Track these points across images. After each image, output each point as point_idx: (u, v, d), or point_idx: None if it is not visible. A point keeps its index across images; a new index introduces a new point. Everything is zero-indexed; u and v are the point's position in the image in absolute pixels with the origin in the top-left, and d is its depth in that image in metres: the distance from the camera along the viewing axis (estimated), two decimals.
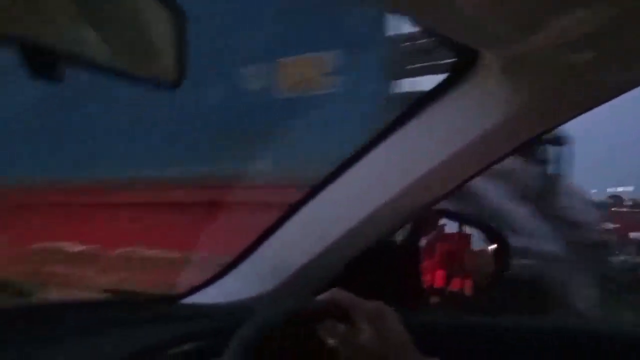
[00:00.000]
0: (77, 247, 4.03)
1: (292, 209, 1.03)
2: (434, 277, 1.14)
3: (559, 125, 0.88)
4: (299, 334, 0.77)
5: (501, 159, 0.91)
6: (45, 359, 0.71)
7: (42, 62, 0.36)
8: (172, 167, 3.67)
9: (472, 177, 0.93)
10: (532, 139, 0.89)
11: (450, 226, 1.18)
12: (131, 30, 0.43)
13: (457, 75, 0.88)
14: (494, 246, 1.18)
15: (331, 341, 0.74)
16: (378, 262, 1.06)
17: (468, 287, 1.17)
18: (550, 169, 1.90)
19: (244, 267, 1.06)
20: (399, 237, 1.11)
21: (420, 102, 0.91)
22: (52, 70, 0.37)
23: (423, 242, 1.12)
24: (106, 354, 0.76)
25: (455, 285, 1.17)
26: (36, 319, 0.83)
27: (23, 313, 0.87)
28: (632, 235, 7.16)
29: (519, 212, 1.76)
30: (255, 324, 0.67)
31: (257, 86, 3.71)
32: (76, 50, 0.39)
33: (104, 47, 0.41)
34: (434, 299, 1.12)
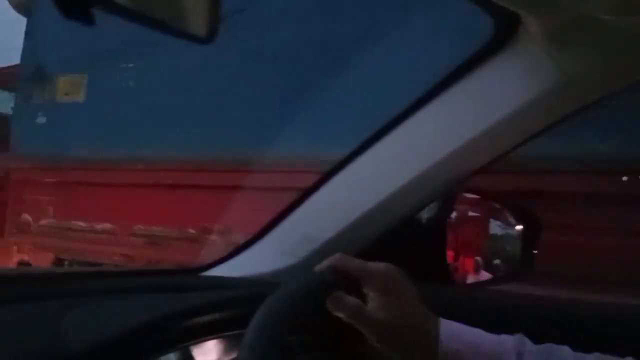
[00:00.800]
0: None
1: (317, 184, 1.00)
2: (461, 254, 1.11)
3: (605, 97, 0.83)
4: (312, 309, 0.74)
5: (542, 131, 0.87)
6: (70, 321, 0.70)
7: (74, 3, 0.33)
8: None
9: (510, 151, 0.89)
10: (576, 112, 0.84)
11: (480, 203, 1.14)
12: None
13: (496, 43, 0.84)
14: (524, 224, 1.15)
15: (340, 315, 0.71)
16: (404, 238, 1.03)
17: (496, 265, 1.14)
18: None
19: (266, 241, 1.04)
20: (428, 213, 1.07)
21: (457, 71, 0.86)
22: (83, 12, 0.34)
23: (452, 218, 1.09)
24: (128, 318, 0.75)
25: (483, 262, 1.14)
26: (66, 283, 0.84)
27: (56, 277, 0.89)
28: None
29: None
30: (287, 293, 0.65)
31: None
32: None
33: None
34: (460, 276, 1.09)
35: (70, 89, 4.23)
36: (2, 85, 5.53)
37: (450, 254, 1.09)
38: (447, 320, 0.70)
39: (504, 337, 0.69)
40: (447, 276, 1.06)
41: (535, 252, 1.19)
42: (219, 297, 0.89)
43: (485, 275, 1.15)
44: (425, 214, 1.09)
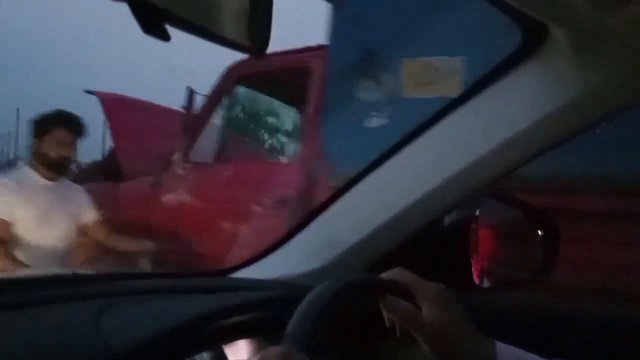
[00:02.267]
0: None
1: (345, 187, 1.03)
2: (483, 260, 1.12)
3: (628, 108, 0.84)
4: (358, 308, 0.77)
5: (565, 140, 0.89)
6: (108, 321, 0.73)
7: (152, 20, 0.36)
8: None
9: (533, 158, 0.90)
10: (599, 121, 0.86)
11: (501, 209, 1.15)
12: None
13: (523, 52, 0.85)
14: (544, 230, 1.16)
15: (391, 316, 0.75)
16: (427, 243, 1.05)
17: (517, 271, 1.15)
18: None
19: (294, 244, 1.06)
20: (450, 218, 1.09)
21: (485, 79, 0.88)
22: (160, 29, 0.37)
23: (474, 224, 1.10)
24: (163, 319, 0.77)
25: (505, 268, 1.15)
26: (103, 284, 0.86)
27: (93, 279, 0.93)
28: None
29: None
30: (329, 290, 0.67)
31: None
32: (178, 10, 0.39)
33: (202, 9, 0.41)
34: (485, 281, 1.10)
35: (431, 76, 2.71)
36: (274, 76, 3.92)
37: (472, 260, 1.10)
38: (502, 343, 0.72)
39: None
40: (469, 282, 1.07)
41: (556, 258, 1.20)
42: (248, 298, 0.91)
43: (506, 282, 1.16)
44: (447, 219, 1.11)
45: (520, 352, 0.71)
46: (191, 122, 4.09)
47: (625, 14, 0.72)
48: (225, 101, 4.21)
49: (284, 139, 5.09)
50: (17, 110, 26.03)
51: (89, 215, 2.85)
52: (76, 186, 2.91)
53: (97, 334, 0.70)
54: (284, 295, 0.91)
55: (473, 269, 1.08)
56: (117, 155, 4.97)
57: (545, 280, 1.25)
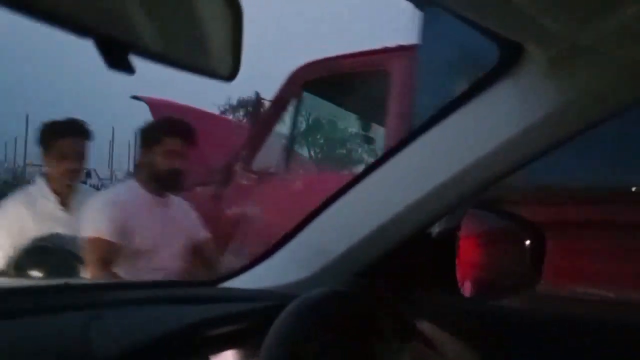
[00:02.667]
0: None
1: (331, 198, 1.05)
2: (470, 266, 1.14)
3: (603, 121, 0.87)
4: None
5: (541, 154, 0.91)
6: (97, 331, 0.75)
7: (116, 54, 0.38)
8: None
9: (513, 171, 0.93)
10: (574, 135, 0.88)
11: (487, 218, 1.18)
12: (193, 25, 0.46)
13: (500, 70, 0.88)
14: (530, 240, 1.18)
15: None
16: (415, 250, 1.07)
17: (502, 279, 1.17)
18: None
19: (282, 254, 1.09)
20: (437, 226, 1.11)
21: (463, 96, 0.91)
22: (124, 62, 0.39)
23: (460, 231, 1.12)
24: (151, 329, 0.79)
25: (490, 276, 1.17)
26: (92, 294, 0.89)
27: (82, 289, 0.95)
28: None
29: None
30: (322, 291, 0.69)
31: None
32: (143, 42, 0.41)
33: (167, 39, 0.43)
34: (469, 288, 1.12)
35: None
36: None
37: (459, 267, 1.12)
38: None
39: None
40: (456, 288, 1.09)
41: (542, 265, 1.22)
42: (236, 309, 0.93)
43: (493, 288, 1.18)
44: (435, 227, 1.13)
45: None
46: (256, 129, 3.84)
47: (595, 31, 0.74)
48: (290, 108, 3.83)
49: (356, 148, 4.82)
50: (27, 116, 25.81)
51: (202, 233, 2.48)
52: (185, 202, 2.54)
53: (85, 344, 0.73)
54: (271, 305, 0.93)
55: (458, 277, 1.10)
56: None
57: (531, 287, 1.27)
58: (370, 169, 1.00)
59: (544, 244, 1.19)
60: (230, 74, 0.48)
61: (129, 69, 0.39)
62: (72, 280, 1.02)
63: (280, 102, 3.76)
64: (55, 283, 0.92)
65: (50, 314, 0.80)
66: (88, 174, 19.46)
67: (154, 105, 4.83)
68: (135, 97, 4.93)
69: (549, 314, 1.13)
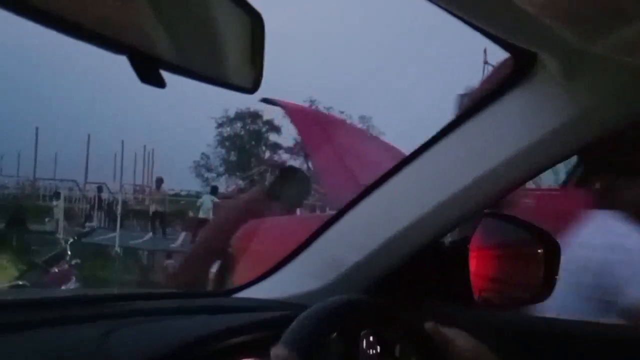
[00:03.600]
0: None
1: (345, 209, 1.05)
2: (484, 276, 1.14)
3: (617, 130, 0.87)
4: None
5: (557, 162, 0.91)
6: (112, 342, 0.75)
7: (147, 68, 0.38)
8: None
9: (526, 180, 0.93)
10: (588, 144, 0.88)
11: (501, 227, 1.17)
12: (214, 36, 0.46)
13: (515, 79, 0.88)
14: (545, 249, 1.18)
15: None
16: (428, 260, 1.07)
17: (517, 288, 1.17)
18: None
19: (296, 264, 1.09)
20: (453, 236, 1.11)
21: (478, 105, 0.91)
22: (156, 76, 0.39)
23: (474, 241, 1.12)
24: (166, 340, 0.80)
25: (505, 286, 1.16)
26: (108, 306, 0.89)
27: (98, 299, 0.95)
28: None
29: None
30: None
31: None
32: (168, 56, 0.42)
33: (190, 51, 0.44)
34: (486, 299, 1.12)
35: None
36: None
37: (473, 276, 1.12)
38: None
39: None
40: (469, 298, 1.09)
41: (557, 274, 1.22)
42: (250, 319, 0.93)
43: (507, 299, 1.18)
44: (448, 237, 1.13)
45: None
46: None
47: (610, 40, 0.74)
48: None
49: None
50: (36, 129, 25.49)
51: None
52: None
53: (103, 356, 0.73)
54: (284, 315, 0.93)
55: (473, 286, 1.10)
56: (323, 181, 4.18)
57: (545, 298, 1.27)
58: (382, 179, 1.00)
59: (559, 254, 1.19)
60: (253, 86, 0.49)
61: (160, 83, 0.40)
62: (90, 292, 1.02)
63: None
64: (70, 294, 0.92)
65: (68, 326, 0.80)
66: (100, 189, 19.52)
67: (291, 109, 4.45)
68: (266, 100, 4.25)
69: (565, 323, 1.13)
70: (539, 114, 0.87)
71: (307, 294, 1.04)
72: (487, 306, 1.14)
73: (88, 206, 18.97)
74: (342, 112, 30.04)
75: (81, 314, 0.85)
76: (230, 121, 30.46)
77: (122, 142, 25.97)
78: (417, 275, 1.06)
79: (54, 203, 16.71)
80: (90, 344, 0.76)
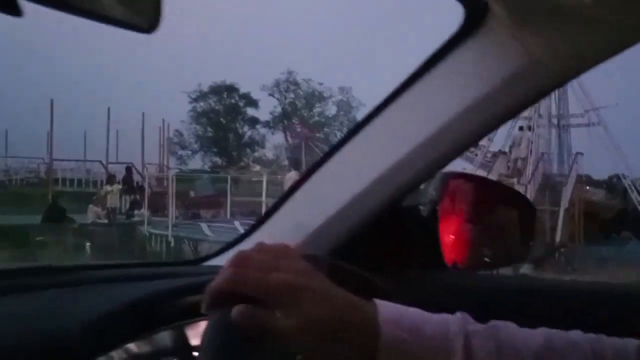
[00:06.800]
0: None
1: (309, 172, 1.05)
2: (454, 239, 1.13)
3: (571, 79, 0.85)
4: None
5: (515, 113, 0.90)
6: (69, 304, 0.76)
7: None
8: None
9: (483, 135, 0.92)
10: (545, 94, 0.87)
11: (470, 189, 1.16)
12: None
13: (466, 30, 0.87)
14: (519, 209, 1.16)
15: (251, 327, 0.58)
16: (398, 224, 1.06)
17: (490, 250, 1.16)
18: None
19: (263, 230, 1.09)
20: (421, 198, 1.11)
21: (432, 58, 0.90)
22: (10, 3, 0.38)
23: (445, 205, 1.11)
24: (113, 300, 0.80)
25: (477, 247, 1.15)
26: (70, 274, 0.90)
27: (61, 269, 0.95)
28: None
29: None
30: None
31: None
32: None
33: None
34: (454, 260, 1.11)
35: None
36: None
37: (445, 238, 1.10)
38: (384, 304, 0.61)
39: (447, 317, 0.61)
40: (439, 262, 1.08)
41: (533, 235, 1.21)
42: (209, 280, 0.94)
43: (481, 260, 1.16)
44: (418, 200, 1.12)
45: (404, 310, 0.61)
46: None
47: None
48: None
49: None
50: (51, 101, 21.91)
51: None
52: None
53: (54, 316, 0.74)
54: None
55: (444, 250, 1.09)
56: None
57: (522, 259, 1.25)
58: (342, 142, 1.00)
59: (534, 214, 1.18)
60: (150, 25, 0.48)
61: (15, 12, 0.38)
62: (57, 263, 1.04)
63: None
64: (39, 265, 0.93)
65: (30, 293, 0.82)
66: (129, 169, 17.22)
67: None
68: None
69: (540, 281, 1.12)
70: (491, 65, 0.86)
71: None
72: (460, 269, 1.13)
73: (120, 190, 15.25)
74: (321, 84, 29.78)
75: (45, 282, 0.86)
76: (204, 95, 29.86)
77: (143, 114, 24.20)
78: (385, 237, 1.05)
79: (109, 188, 14.42)
80: (50, 308, 0.77)
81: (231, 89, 29.67)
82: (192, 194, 15.38)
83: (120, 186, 14.66)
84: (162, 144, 24.29)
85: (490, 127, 0.90)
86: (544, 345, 0.60)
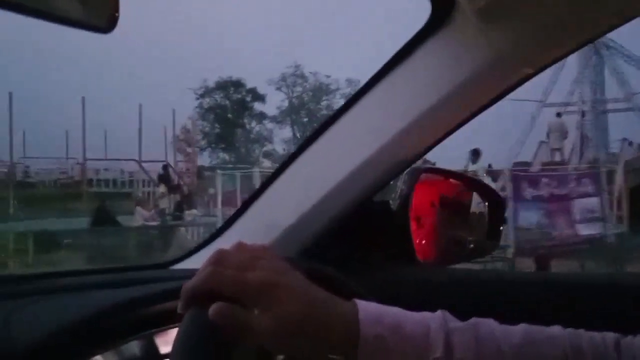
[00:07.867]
0: None
1: (278, 171, 1.03)
2: (428, 232, 1.13)
3: (537, 73, 0.86)
4: None
5: (484, 108, 0.90)
6: (25, 317, 0.73)
7: None
8: None
9: (455, 129, 0.92)
10: (512, 88, 0.87)
11: (440, 183, 1.16)
12: None
13: (433, 25, 0.86)
14: (488, 201, 1.17)
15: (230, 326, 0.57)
16: (369, 220, 1.06)
17: (460, 243, 1.16)
18: None
19: (233, 231, 1.07)
20: (391, 194, 1.10)
21: (399, 54, 0.89)
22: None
23: (415, 198, 1.10)
24: (72, 312, 0.77)
25: (447, 241, 1.16)
26: (23, 283, 0.86)
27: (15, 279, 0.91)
28: None
29: None
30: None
31: None
32: None
33: None
34: (426, 255, 1.11)
35: None
36: None
37: (416, 233, 1.10)
38: (364, 303, 0.61)
39: (426, 315, 0.61)
40: (414, 255, 1.08)
41: (501, 228, 1.22)
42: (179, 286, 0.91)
43: (448, 254, 1.17)
44: (389, 196, 1.11)
45: (384, 309, 0.61)
46: None
47: None
48: None
49: None
50: (82, 99, 20.10)
51: None
52: None
53: (6, 332, 0.70)
54: None
55: (414, 244, 1.09)
56: None
57: (490, 251, 1.27)
58: (310, 140, 0.99)
59: (503, 206, 1.19)
60: (108, 25, 0.46)
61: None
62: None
63: None
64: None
65: None
66: (165, 168, 15.30)
67: None
68: None
69: (513, 274, 1.13)
70: (458, 61, 0.85)
71: None
72: (431, 263, 1.14)
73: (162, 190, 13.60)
74: (328, 77, 29.74)
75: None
76: (210, 91, 29.36)
77: (174, 111, 21.55)
78: (356, 235, 1.04)
79: (162, 189, 13.06)
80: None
81: (238, 84, 29.16)
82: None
83: (165, 187, 13.43)
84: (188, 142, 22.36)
85: (459, 121, 0.90)
86: (524, 340, 0.61)
